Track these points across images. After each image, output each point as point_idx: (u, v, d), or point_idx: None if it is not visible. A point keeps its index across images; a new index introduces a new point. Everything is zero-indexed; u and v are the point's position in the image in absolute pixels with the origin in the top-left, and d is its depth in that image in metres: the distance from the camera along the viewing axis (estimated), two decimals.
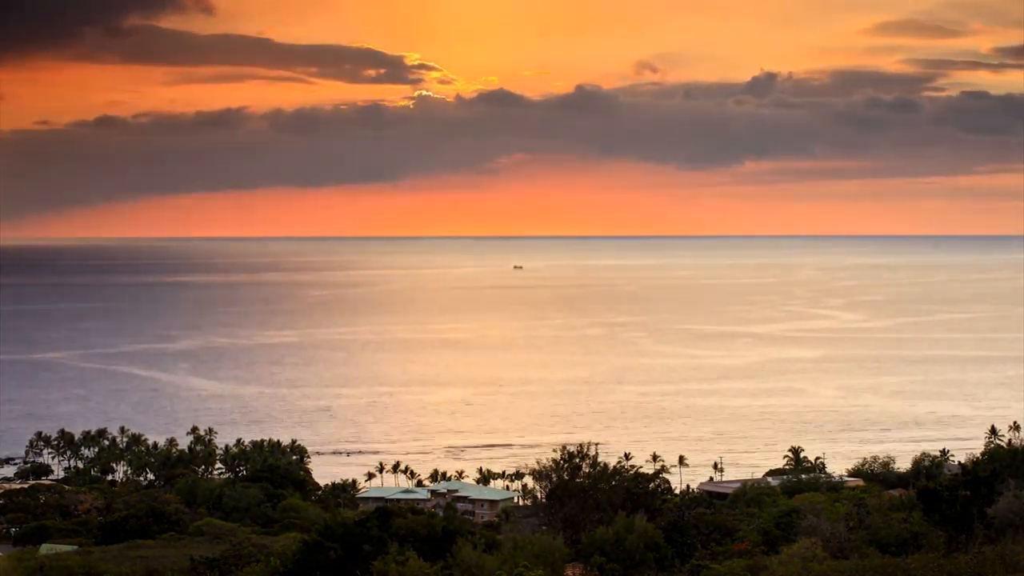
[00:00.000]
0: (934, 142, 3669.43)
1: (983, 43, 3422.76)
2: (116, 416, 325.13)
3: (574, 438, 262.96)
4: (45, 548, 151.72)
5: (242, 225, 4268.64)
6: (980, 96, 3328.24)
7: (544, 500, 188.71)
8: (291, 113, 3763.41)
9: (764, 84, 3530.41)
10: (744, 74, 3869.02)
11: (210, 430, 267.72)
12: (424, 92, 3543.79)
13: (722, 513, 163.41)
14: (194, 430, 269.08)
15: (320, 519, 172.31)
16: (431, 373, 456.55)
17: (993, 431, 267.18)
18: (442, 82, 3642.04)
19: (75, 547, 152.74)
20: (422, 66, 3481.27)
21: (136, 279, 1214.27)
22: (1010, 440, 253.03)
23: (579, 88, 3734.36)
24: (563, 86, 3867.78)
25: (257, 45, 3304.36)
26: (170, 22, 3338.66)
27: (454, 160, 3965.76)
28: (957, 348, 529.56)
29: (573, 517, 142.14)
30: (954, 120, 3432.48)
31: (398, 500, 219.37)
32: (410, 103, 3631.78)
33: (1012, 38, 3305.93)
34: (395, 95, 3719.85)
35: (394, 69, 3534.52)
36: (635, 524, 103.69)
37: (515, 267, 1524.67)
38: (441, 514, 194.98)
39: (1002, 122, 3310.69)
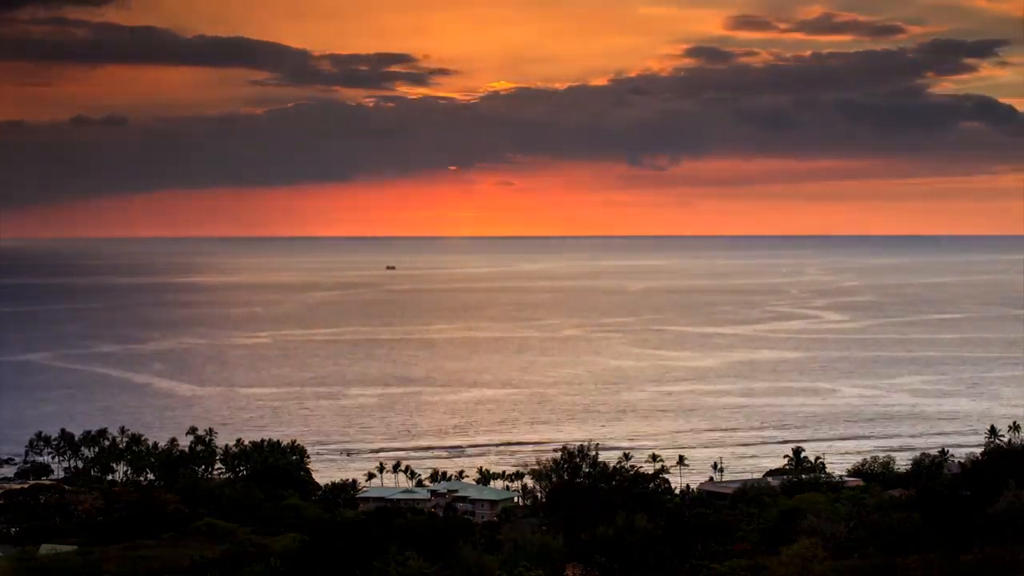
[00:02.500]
0: (855, 141, 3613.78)
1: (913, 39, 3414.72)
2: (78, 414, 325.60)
3: (573, 438, 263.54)
4: (45, 548, 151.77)
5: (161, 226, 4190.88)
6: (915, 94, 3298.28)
7: (544, 500, 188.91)
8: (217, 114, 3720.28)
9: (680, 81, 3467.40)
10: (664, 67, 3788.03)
11: (210, 430, 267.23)
12: (378, 93, 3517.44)
13: (722, 513, 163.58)
14: (194, 430, 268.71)
15: (320, 519, 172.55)
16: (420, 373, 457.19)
17: (993, 431, 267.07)
18: (398, 80, 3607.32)
19: (75, 547, 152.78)
20: (379, 66, 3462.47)
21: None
22: (1010, 440, 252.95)
23: (520, 89, 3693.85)
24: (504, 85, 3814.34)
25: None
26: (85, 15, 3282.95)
27: (397, 161, 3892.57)
28: (957, 348, 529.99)
29: (573, 517, 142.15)
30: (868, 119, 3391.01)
31: (398, 500, 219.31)
32: (361, 102, 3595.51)
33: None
34: (344, 96, 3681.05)
35: (343, 69, 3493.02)
36: (635, 524, 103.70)
37: (387, 267, 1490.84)
38: (441, 514, 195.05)
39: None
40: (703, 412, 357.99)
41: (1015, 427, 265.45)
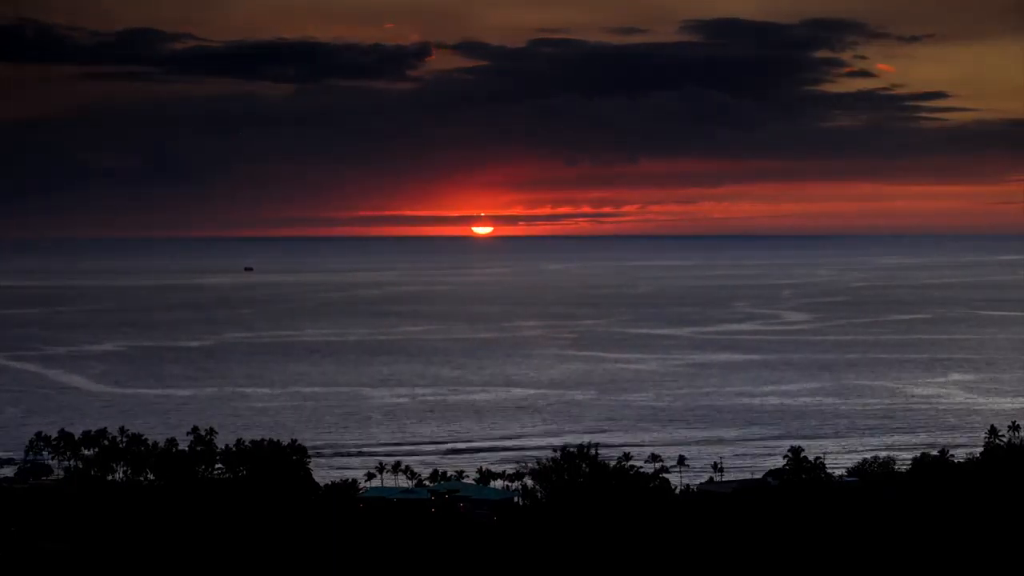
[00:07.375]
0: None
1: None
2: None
3: (574, 438, 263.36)
4: (45, 548, 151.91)
5: None
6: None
7: (545, 500, 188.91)
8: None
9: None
10: None
11: (210, 430, 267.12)
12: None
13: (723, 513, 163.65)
14: (194, 430, 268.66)
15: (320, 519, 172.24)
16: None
17: (993, 431, 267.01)
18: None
19: (74, 547, 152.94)
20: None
21: None
22: (1010, 440, 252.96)
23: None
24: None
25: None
26: None
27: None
28: (953, 348, 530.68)
29: (573, 517, 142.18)
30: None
31: (398, 500, 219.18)
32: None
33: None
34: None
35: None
36: (635, 524, 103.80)
37: (245, 268, 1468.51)
38: (441, 515, 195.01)
39: None
40: (702, 412, 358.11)
41: (1015, 427, 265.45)
